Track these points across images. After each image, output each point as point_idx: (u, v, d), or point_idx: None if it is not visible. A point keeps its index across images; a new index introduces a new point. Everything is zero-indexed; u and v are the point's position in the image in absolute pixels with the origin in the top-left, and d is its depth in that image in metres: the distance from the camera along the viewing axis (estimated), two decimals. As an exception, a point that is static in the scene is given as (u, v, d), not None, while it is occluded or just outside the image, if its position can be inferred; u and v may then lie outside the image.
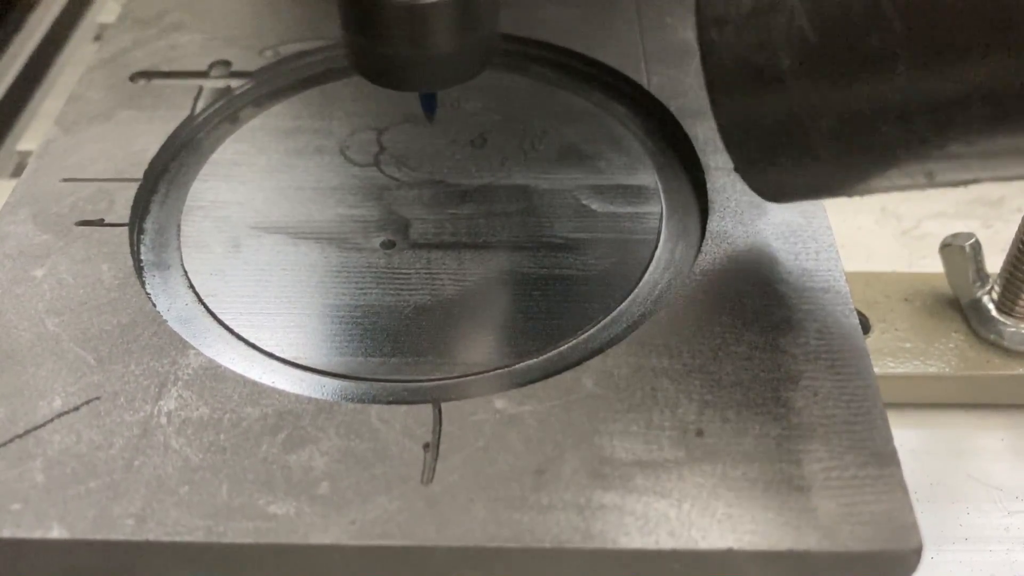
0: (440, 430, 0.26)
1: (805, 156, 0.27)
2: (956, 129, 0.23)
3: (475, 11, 0.31)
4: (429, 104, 0.35)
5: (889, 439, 0.26)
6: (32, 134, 0.49)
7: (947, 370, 0.36)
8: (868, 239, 0.43)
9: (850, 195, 0.28)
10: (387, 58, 0.31)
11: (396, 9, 0.30)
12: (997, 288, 0.36)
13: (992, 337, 0.36)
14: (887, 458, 0.26)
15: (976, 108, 0.22)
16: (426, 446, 0.26)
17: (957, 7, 0.22)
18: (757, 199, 0.33)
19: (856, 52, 0.24)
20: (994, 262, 0.37)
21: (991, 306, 0.36)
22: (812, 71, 0.25)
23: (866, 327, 0.37)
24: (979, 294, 0.37)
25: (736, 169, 0.29)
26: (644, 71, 0.39)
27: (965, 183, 0.26)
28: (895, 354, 0.36)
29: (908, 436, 0.35)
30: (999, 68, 0.22)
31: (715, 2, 0.26)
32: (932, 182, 0.25)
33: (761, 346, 0.28)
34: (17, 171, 0.48)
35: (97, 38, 0.57)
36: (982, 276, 0.37)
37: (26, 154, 0.48)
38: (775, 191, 0.30)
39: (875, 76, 0.24)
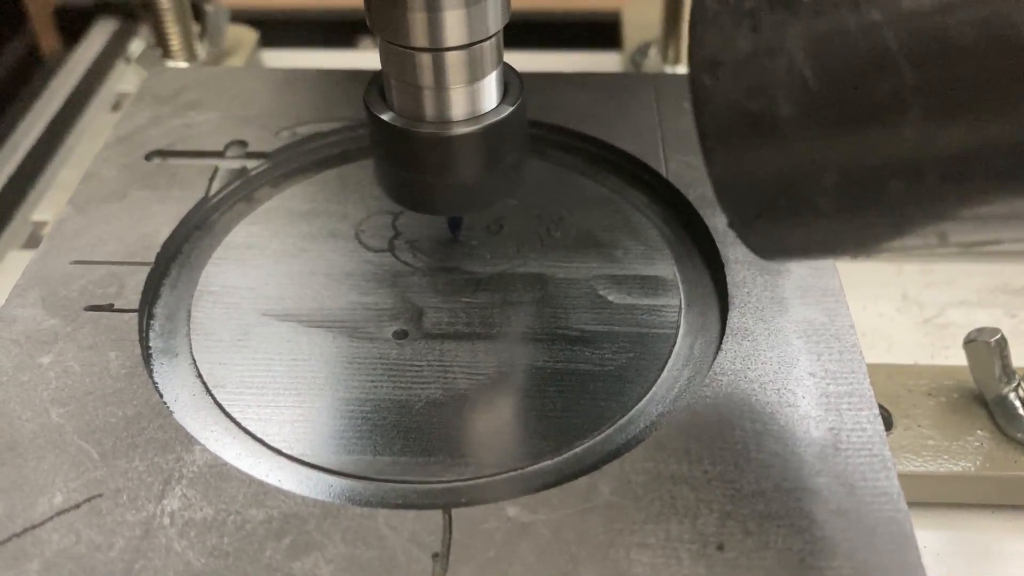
0: (450, 538, 0.25)
1: (806, 212, 0.25)
2: (972, 185, 0.21)
3: (501, 141, 0.31)
4: (455, 226, 0.36)
5: (916, 558, 0.25)
6: (47, 204, 0.49)
7: (972, 469, 0.35)
8: (890, 327, 0.42)
9: (855, 256, 0.26)
10: (414, 184, 0.32)
11: (423, 139, 0.30)
12: (1024, 385, 0.35)
13: (1019, 436, 0.35)
14: (915, 577, 0.25)
15: (995, 163, 0.21)
16: (435, 556, 0.25)
17: (975, 52, 0.20)
18: (778, 294, 0.32)
19: (862, 101, 0.22)
20: (1020, 352, 0.36)
21: (1018, 403, 0.35)
22: (814, 120, 0.23)
23: (888, 423, 0.36)
24: (1005, 391, 0.36)
25: (730, 225, 0.27)
26: (662, 157, 0.39)
27: (981, 244, 0.24)
28: (918, 451, 0.35)
29: (932, 538, 0.34)
30: (1019, 124, 0.20)
31: (709, 45, 0.24)
32: (945, 243, 0.24)
33: (782, 453, 0.27)
34: (30, 241, 0.48)
35: (115, 107, 0.57)
36: (1008, 372, 0.36)
37: (40, 224, 0.48)
38: (773, 249, 0.28)
39: (883, 127, 0.22)
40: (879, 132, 0.22)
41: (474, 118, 0.30)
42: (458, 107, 0.30)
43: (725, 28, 0.24)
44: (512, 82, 0.32)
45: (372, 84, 0.32)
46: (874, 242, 0.25)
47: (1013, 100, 0.20)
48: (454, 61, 0.29)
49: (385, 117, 0.31)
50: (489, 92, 0.31)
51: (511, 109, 0.31)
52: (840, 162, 0.23)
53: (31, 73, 0.61)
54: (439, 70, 0.29)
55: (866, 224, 0.24)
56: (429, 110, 0.30)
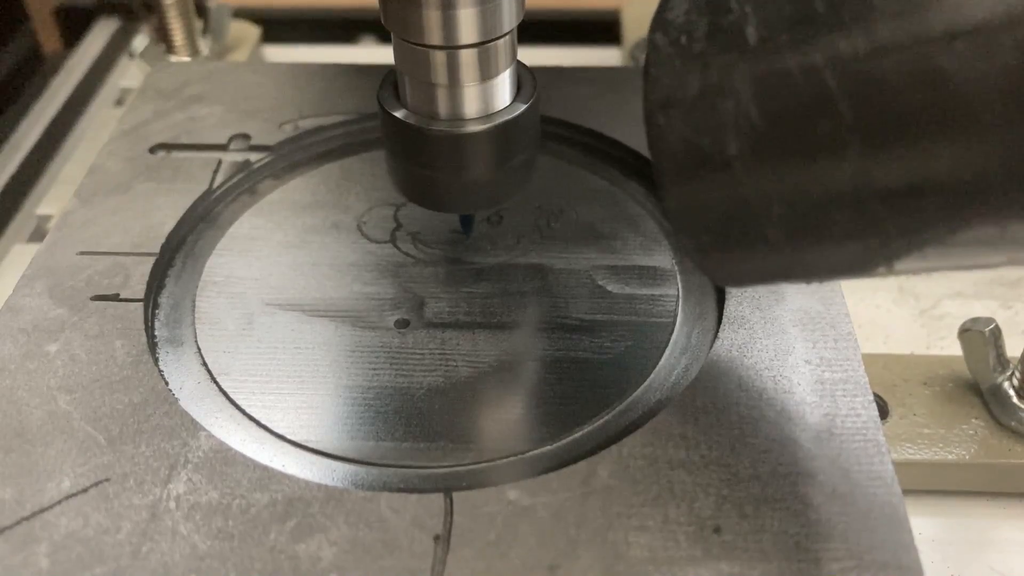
0: (451, 521, 0.26)
1: (757, 243, 0.26)
2: (911, 218, 0.22)
3: (512, 139, 0.31)
4: (467, 223, 0.36)
5: (910, 540, 0.25)
6: (52, 198, 0.50)
7: (967, 457, 0.35)
8: (886, 319, 0.43)
9: (808, 282, 0.27)
10: (427, 182, 0.32)
11: (435, 137, 0.30)
12: (1018, 374, 0.36)
13: (1013, 424, 0.35)
14: (907, 559, 0.25)
15: (930, 198, 0.22)
16: (436, 538, 0.26)
17: (907, 94, 0.21)
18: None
19: (805, 138, 0.23)
20: (1014, 344, 0.36)
21: (1012, 392, 0.36)
22: (760, 157, 0.24)
23: (884, 411, 0.36)
24: (999, 380, 0.36)
25: (687, 254, 0.28)
26: (661, 150, 0.39)
27: (927, 271, 0.25)
28: (913, 440, 0.35)
29: (927, 524, 0.35)
30: (950, 158, 0.21)
31: (662, 85, 0.25)
32: (891, 271, 0.24)
33: (778, 438, 0.28)
34: (35, 235, 0.48)
35: (119, 102, 0.58)
36: (1002, 362, 0.36)
37: (45, 218, 0.49)
38: (727, 276, 0.29)
39: (825, 163, 0.23)
40: (821, 167, 0.23)
41: (487, 116, 0.30)
42: (471, 105, 0.30)
43: (677, 70, 0.25)
44: (525, 79, 0.32)
45: (385, 81, 0.32)
46: (824, 271, 0.26)
47: (940, 138, 0.21)
48: (468, 59, 0.29)
49: (398, 114, 0.31)
50: (503, 90, 0.31)
51: (524, 107, 0.31)
52: (786, 196, 0.24)
53: (33, 71, 0.61)
54: (452, 68, 0.29)
55: (814, 254, 0.25)
56: (442, 108, 0.30)
